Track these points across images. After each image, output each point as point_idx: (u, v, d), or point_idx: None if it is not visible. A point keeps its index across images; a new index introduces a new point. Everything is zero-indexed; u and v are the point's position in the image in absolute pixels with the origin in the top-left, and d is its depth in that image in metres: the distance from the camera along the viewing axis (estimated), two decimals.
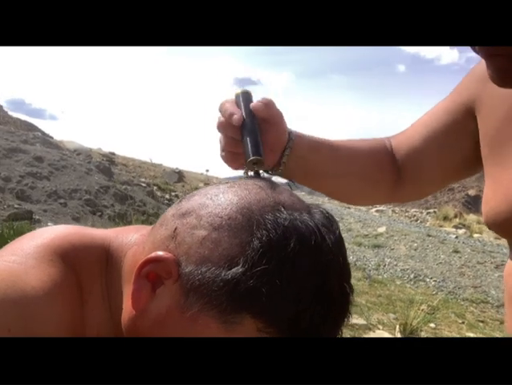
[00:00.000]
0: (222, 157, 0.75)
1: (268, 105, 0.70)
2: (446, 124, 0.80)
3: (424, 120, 0.85)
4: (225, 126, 0.70)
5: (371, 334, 4.12)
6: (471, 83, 0.78)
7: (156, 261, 0.48)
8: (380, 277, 6.52)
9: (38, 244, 0.53)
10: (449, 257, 7.47)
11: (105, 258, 0.56)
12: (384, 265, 7.09)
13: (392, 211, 14.11)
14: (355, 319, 4.39)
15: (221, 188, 0.52)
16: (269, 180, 0.54)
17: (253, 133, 0.67)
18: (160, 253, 0.48)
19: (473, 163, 0.79)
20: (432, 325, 4.57)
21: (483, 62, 0.66)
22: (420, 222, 12.37)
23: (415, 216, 13.69)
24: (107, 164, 9.55)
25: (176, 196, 9.67)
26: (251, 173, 0.64)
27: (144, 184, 9.33)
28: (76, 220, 6.52)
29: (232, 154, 0.72)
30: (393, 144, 0.88)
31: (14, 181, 6.85)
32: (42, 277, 0.49)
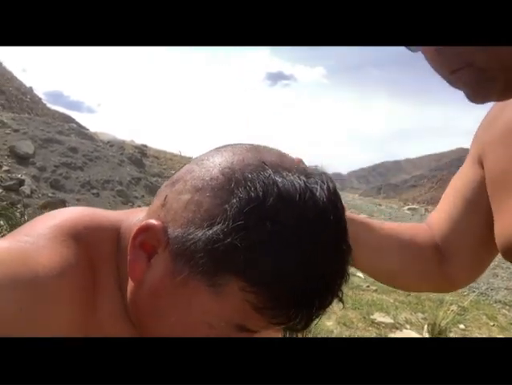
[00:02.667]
0: None
1: None
2: (468, 188, 0.76)
3: (447, 195, 0.81)
4: None
5: (398, 333, 4.05)
6: (477, 138, 0.75)
7: (146, 229, 0.48)
8: None
9: (51, 225, 0.53)
10: None
11: (116, 239, 0.55)
12: None
13: (425, 209, 13.87)
14: (382, 317, 4.33)
15: (209, 154, 0.51)
16: (262, 145, 0.52)
17: None
18: (149, 221, 0.48)
19: None
20: (461, 326, 4.46)
21: (492, 106, 0.66)
22: None
23: None
24: (139, 156, 9.69)
25: None
26: None
27: None
28: (108, 210, 6.64)
29: None
30: (431, 227, 0.83)
31: (49, 171, 7.04)
32: (54, 257, 0.48)
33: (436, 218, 0.82)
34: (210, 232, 0.43)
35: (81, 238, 0.53)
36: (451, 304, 4.55)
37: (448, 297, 5.14)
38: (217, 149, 0.51)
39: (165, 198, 0.49)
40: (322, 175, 0.47)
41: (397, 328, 4.19)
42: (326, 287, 0.45)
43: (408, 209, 13.02)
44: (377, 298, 5.02)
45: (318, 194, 0.44)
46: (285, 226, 0.43)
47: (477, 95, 0.52)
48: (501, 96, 0.55)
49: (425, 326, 4.20)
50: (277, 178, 0.44)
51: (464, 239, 0.78)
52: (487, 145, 0.71)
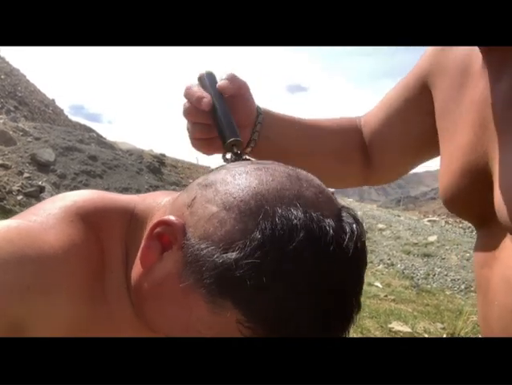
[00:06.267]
0: (194, 145, 0.71)
1: (233, 80, 0.68)
2: (405, 101, 0.77)
3: (386, 99, 0.82)
4: (194, 112, 0.66)
5: None
6: (426, 57, 0.74)
7: (167, 224, 0.47)
8: (429, 286, 6.30)
9: (61, 205, 0.53)
10: None
11: (128, 221, 0.55)
12: (434, 275, 6.85)
13: (446, 222, 13.65)
14: (400, 326, 4.25)
15: (248, 168, 0.49)
16: (302, 171, 0.50)
17: (225, 115, 0.64)
18: (172, 217, 0.47)
19: (433, 140, 0.74)
20: (481, 336, 4.35)
21: None
22: (476, 233, 11.85)
23: (469, 227, 13.15)
24: (158, 164, 9.78)
25: None
26: (229, 156, 0.62)
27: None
28: None
29: (204, 141, 0.69)
30: (362, 124, 0.86)
31: (69, 178, 7.15)
32: (62, 236, 0.49)
33: (371, 118, 0.84)
34: (224, 256, 0.43)
35: (89, 219, 0.53)
36: (470, 314, 4.45)
37: (467, 307, 5.04)
38: (258, 164, 0.50)
39: (194, 199, 0.48)
40: (353, 221, 0.45)
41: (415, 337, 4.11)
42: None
43: (428, 221, 12.83)
44: (395, 308, 4.93)
45: (344, 246, 0.43)
46: (301, 277, 0.42)
47: None
48: None
49: (444, 336, 4.12)
50: (307, 221, 0.42)
51: (391, 146, 0.81)
52: (436, 74, 0.71)
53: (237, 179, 0.47)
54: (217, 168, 0.53)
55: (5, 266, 0.43)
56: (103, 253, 0.53)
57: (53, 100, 21.57)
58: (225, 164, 0.54)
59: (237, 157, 0.61)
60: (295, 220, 0.42)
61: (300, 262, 0.41)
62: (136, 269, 0.51)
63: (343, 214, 0.46)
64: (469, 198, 0.61)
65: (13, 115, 9.69)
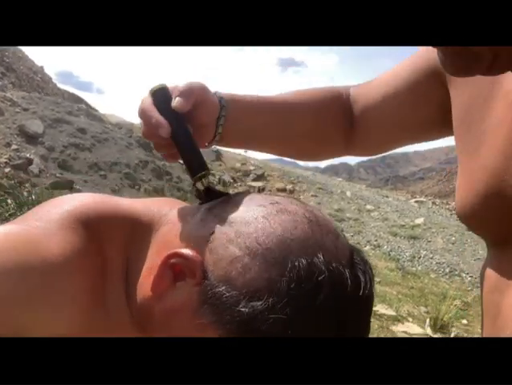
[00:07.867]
0: (162, 156, 0.71)
1: (188, 95, 0.63)
2: (408, 83, 0.75)
3: (388, 75, 0.80)
4: (153, 135, 0.63)
5: (400, 326, 4.05)
6: None
7: (185, 258, 0.47)
8: (414, 269, 6.40)
9: (63, 211, 0.52)
10: None
11: (130, 229, 0.55)
12: (419, 258, 6.96)
13: (433, 203, 13.78)
14: (384, 310, 4.33)
15: (270, 210, 0.48)
16: (318, 213, 0.50)
17: (186, 143, 0.62)
18: (191, 252, 0.47)
19: (434, 129, 0.75)
20: (464, 321, 4.45)
21: None
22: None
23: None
24: None
25: (213, 174, 9.63)
26: (199, 186, 0.61)
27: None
28: (115, 192, 6.69)
29: (170, 155, 0.68)
30: (352, 94, 0.84)
31: (58, 151, 7.06)
32: (64, 244, 0.48)
33: (369, 90, 0.82)
34: (249, 306, 0.43)
35: (91, 226, 0.52)
36: (454, 299, 4.54)
37: (451, 291, 5.14)
38: (280, 208, 0.49)
39: (212, 234, 0.48)
40: (364, 266, 0.47)
41: (399, 321, 4.19)
42: None
43: (415, 202, 12.94)
44: (380, 290, 5.01)
45: (359, 297, 0.45)
46: (323, 330, 0.43)
47: (459, 73, 0.46)
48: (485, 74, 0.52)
49: (427, 320, 4.20)
50: (331, 276, 0.43)
51: (388, 122, 0.80)
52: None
53: (260, 223, 0.47)
54: (230, 198, 0.53)
55: (7, 275, 0.43)
56: (105, 261, 0.53)
57: (41, 67, 21.11)
58: (243, 192, 0.54)
59: (207, 190, 0.60)
60: (320, 276, 0.43)
61: (324, 317, 0.43)
62: (144, 291, 0.50)
63: (356, 259, 0.48)
64: (489, 219, 0.59)
65: (0, 83, 9.48)
